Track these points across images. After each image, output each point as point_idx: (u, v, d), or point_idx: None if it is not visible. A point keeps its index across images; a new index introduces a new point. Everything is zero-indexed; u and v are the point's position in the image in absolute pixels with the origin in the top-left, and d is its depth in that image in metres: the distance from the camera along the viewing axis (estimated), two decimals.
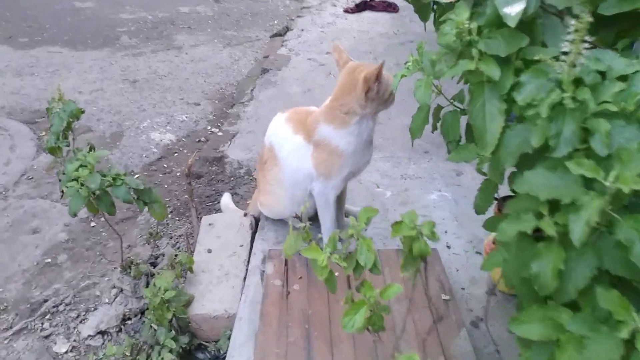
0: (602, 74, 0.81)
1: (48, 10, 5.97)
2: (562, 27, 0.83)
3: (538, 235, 0.89)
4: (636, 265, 0.64)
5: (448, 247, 2.05)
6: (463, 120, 1.15)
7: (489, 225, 1.27)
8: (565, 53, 0.73)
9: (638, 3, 0.87)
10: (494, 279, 1.87)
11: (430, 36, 1.63)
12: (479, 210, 1.12)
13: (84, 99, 3.90)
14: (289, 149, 1.82)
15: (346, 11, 5.66)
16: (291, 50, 4.63)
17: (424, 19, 1.56)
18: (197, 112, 3.79)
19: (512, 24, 0.75)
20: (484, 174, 1.05)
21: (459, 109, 1.16)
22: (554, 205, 0.73)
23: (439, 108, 1.17)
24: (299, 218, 0.95)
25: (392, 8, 5.57)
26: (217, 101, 3.99)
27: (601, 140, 0.70)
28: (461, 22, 0.83)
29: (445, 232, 2.13)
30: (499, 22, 0.80)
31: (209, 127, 3.59)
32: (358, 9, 5.66)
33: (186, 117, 3.72)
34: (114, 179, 1.87)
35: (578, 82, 0.73)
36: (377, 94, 1.68)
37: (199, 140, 3.42)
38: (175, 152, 3.30)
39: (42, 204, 2.78)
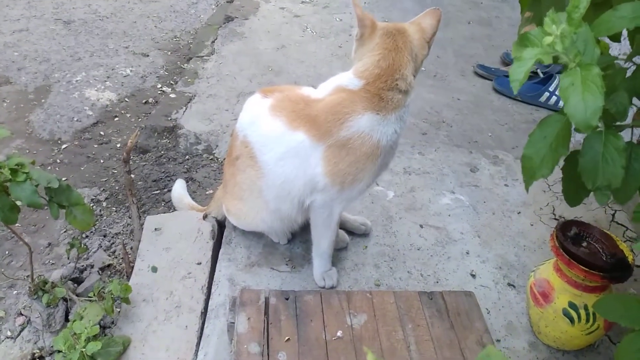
0: None
1: None
2: None
3: None
4: None
5: (472, 276, 1.58)
6: None
7: (603, 308, 0.79)
8: None
9: None
10: (535, 329, 1.42)
11: None
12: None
13: (3, 41, 3.14)
14: (281, 152, 1.26)
15: None
16: None
17: None
18: (144, 65, 3.10)
19: None
20: None
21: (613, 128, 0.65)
22: None
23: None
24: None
25: None
26: (169, 52, 3.30)
27: None
28: None
29: (467, 253, 1.65)
30: None
31: (159, 86, 2.93)
32: None
33: (131, 70, 3.03)
34: (13, 171, 1.28)
35: None
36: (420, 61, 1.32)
37: (146, 102, 2.77)
38: (116, 116, 2.64)
39: None
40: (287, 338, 1.13)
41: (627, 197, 0.66)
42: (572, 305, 1.25)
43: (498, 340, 1.39)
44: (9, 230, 1.78)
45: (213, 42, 3.26)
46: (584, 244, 1.30)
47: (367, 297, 1.24)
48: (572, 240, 1.30)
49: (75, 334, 1.26)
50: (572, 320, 1.25)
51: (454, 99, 2.87)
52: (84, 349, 1.23)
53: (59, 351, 1.25)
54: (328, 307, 1.21)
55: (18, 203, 1.32)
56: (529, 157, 0.64)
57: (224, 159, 2.27)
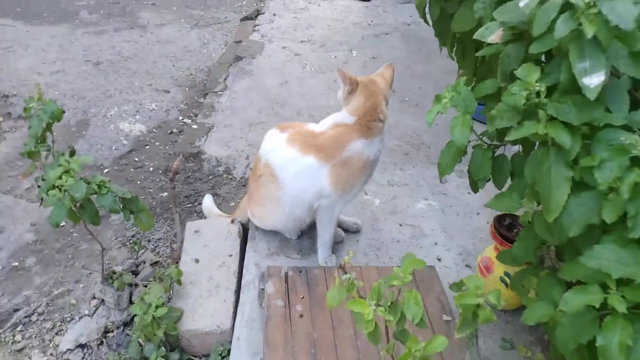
0: None
1: None
2: (624, 89, 0.83)
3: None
4: None
5: (439, 259, 2.07)
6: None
7: (504, 258, 1.28)
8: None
9: None
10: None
11: (406, 29, 1.67)
12: (516, 261, 1.11)
13: (44, 82, 3.64)
14: (296, 171, 1.76)
15: None
16: (264, 36, 4.49)
17: (443, 43, 1.52)
18: (167, 100, 3.62)
19: (591, 96, 0.73)
20: (527, 224, 1.04)
21: (487, 145, 1.15)
22: (619, 279, 0.74)
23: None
24: (342, 269, 0.92)
25: None
26: (187, 88, 3.83)
27: None
28: (531, 83, 0.81)
29: (435, 243, 2.14)
30: (572, 88, 0.78)
31: (181, 118, 3.44)
32: None
33: (156, 105, 3.55)
34: (98, 186, 1.76)
35: None
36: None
37: (172, 132, 3.27)
38: (147, 145, 3.14)
39: (5, 200, 2.59)
40: (301, 296, 1.61)
41: (500, 185, 1.15)
42: (506, 273, 1.74)
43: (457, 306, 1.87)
44: (75, 236, 2.27)
45: (225, 79, 3.78)
46: (515, 230, 1.79)
47: (358, 270, 1.73)
48: (506, 228, 1.79)
49: (146, 303, 1.73)
50: (506, 284, 1.73)
51: (432, 125, 3.39)
52: (154, 313, 1.70)
53: (135, 315, 1.72)
54: (330, 277, 1.69)
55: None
56: (441, 163, 1.14)
57: (241, 177, 2.78)
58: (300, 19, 4.90)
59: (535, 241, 1.01)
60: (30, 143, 1.75)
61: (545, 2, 0.76)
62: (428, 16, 1.49)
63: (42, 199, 1.73)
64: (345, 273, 0.91)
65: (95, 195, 1.76)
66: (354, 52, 4.29)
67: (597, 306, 0.75)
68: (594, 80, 0.74)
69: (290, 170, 1.77)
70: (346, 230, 2.13)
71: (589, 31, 0.71)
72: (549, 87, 0.83)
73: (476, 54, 1.11)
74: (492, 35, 0.97)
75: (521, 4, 0.80)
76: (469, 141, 1.13)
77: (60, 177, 1.67)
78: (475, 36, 0.99)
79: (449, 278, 1.99)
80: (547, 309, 0.86)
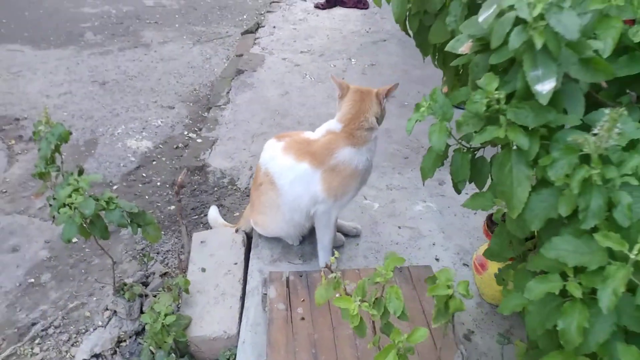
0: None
1: (2, 2, 5.68)
2: (581, 93, 0.89)
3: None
4: None
5: (437, 259, 2.13)
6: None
7: (490, 255, 1.34)
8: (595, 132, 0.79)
9: None
10: (480, 292, 1.97)
11: (403, 35, 1.74)
12: (494, 255, 1.18)
13: (52, 104, 3.77)
14: (292, 177, 1.84)
15: (317, 7, 5.64)
16: (264, 49, 4.60)
17: (425, 53, 1.60)
18: (172, 116, 3.73)
19: (543, 101, 0.80)
20: (500, 221, 1.11)
21: (467, 149, 1.21)
22: (577, 267, 0.80)
23: (447, 146, 1.22)
24: (329, 268, 0.99)
25: (363, 4, 5.59)
26: (191, 104, 3.93)
27: (624, 213, 0.77)
28: (490, 91, 0.88)
29: (433, 244, 2.21)
30: (526, 95, 0.85)
31: (186, 133, 3.54)
32: (329, 4, 5.65)
33: (161, 121, 3.66)
34: (107, 202, 1.85)
35: (605, 158, 0.79)
36: (383, 110, 1.86)
37: (177, 147, 3.37)
38: (154, 160, 3.24)
39: (20, 219, 2.70)
40: (302, 299, 1.68)
41: (481, 186, 1.22)
42: (499, 270, 1.79)
43: None
44: (87, 252, 2.37)
45: (228, 92, 3.88)
46: None
47: (356, 273, 1.80)
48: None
49: (156, 312, 1.81)
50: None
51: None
52: (163, 320, 1.78)
53: (146, 324, 1.81)
54: None
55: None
56: (423, 167, 1.21)
57: (245, 188, 2.86)
58: (300, 30, 5.00)
59: (508, 237, 1.08)
60: (40, 165, 1.85)
61: (501, 17, 0.83)
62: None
63: (54, 217, 1.83)
64: (332, 272, 0.98)
65: (104, 211, 1.85)
66: (352, 60, 4.38)
67: (557, 293, 0.81)
68: (545, 87, 0.80)
69: (287, 177, 1.85)
70: (346, 235, 2.20)
71: (538, 42, 0.78)
72: (510, 94, 0.90)
73: (450, 64, 1.18)
74: (462, 46, 1.04)
75: (480, 19, 0.88)
76: (449, 145, 1.20)
77: (70, 196, 1.76)
78: (447, 48, 1.06)
79: None
80: (521, 299, 0.93)
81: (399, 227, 2.30)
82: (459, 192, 1.26)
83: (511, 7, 0.80)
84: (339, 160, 1.79)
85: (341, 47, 4.64)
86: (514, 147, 0.89)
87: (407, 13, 1.45)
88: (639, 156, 0.79)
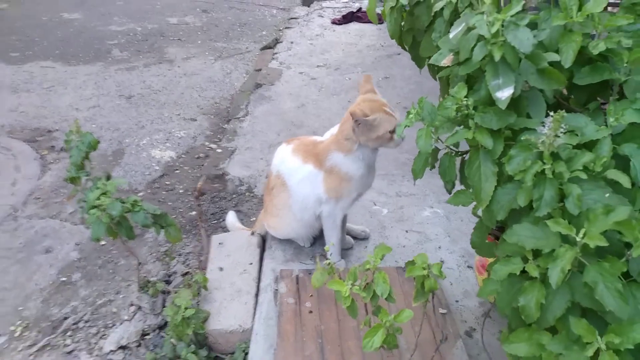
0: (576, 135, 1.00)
1: (36, 23, 6.03)
2: (543, 100, 1.02)
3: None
4: (599, 300, 0.83)
5: (442, 262, 2.22)
6: (456, 161, 1.34)
7: (483, 251, 1.45)
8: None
9: (605, 75, 1.07)
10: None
11: None
12: (475, 245, 1.30)
13: (82, 116, 4.01)
14: (300, 178, 1.98)
15: (333, 22, 5.83)
16: (282, 63, 4.78)
17: (419, 66, 1.73)
18: (194, 128, 3.93)
19: (502, 106, 0.93)
20: (479, 216, 1.23)
21: (454, 152, 1.34)
22: (537, 251, 0.92)
23: (436, 150, 1.35)
24: (324, 256, 1.11)
25: (378, 19, 5.74)
26: (212, 116, 4.13)
27: (573, 202, 0.89)
28: (460, 98, 1.01)
29: (439, 247, 2.32)
30: (491, 101, 0.98)
31: (207, 143, 3.73)
32: (345, 20, 5.84)
33: (184, 133, 3.86)
34: (132, 205, 2.02)
35: (556, 154, 0.92)
36: (362, 132, 1.84)
37: (198, 157, 3.56)
38: (176, 169, 3.43)
39: (52, 223, 2.90)
40: (310, 294, 1.82)
41: (468, 186, 1.33)
42: None
43: (457, 301, 2.04)
44: (115, 253, 2.55)
45: (247, 105, 4.07)
46: None
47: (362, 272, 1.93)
48: (498, 227, 1.95)
49: (177, 305, 1.97)
50: None
51: None
52: (184, 313, 1.93)
53: (168, 317, 1.96)
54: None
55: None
56: (414, 169, 1.34)
57: (262, 194, 3.01)
58: (316, 45, 5.19)
59: (486, 229, 1.20)
60: (72, 170, 2.04)
61: (467, 34, 0.96)
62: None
63: (84, 218, 2.01)
64: (326, 259, 1.11)
65: (129, 213, 2.02)
66: (366, 73, 4.53)
67: (518, 273, 0.93)
68: (505, 94, 0.93)
69: (296, 177, 2.00)
70: (355, 238, 2.33)
71: (497, 55, 0.91)
72: (480, 101, 1.03)
73: (434, 75, 1.31)
74: (444, 59, 1.18)
75: (451, 35, 1.01)
76: (439, 149, 1.33)
77: (98, 198, 1.94)
78: (431, 61, 1.20)
79: (451, 278, 2.16)
80: (495, 284, 1.04)
81: (406, 231, 2.42)
82: (449, 192, 1.39)
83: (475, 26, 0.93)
84: (332, 163, 1.91)
85: (356, 60, 4.80)
86: (482, 147, 1.02)
87: (401, 29, 1.59)
88: (590, 154, 0.91)
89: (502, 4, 1.13)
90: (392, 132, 1.79)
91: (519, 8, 0.92)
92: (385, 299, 1.10)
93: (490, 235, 1.90)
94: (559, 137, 0.88)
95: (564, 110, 0.88)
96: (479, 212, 1.16)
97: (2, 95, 4.34)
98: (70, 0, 6.86)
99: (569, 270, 0.84)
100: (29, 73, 4.75)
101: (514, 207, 0.97)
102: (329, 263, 1.11)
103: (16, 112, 4.08)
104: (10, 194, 3.10)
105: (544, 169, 0.90)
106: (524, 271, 0.94)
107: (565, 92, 1.12)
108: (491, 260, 1.55)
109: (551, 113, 0.92)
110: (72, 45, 5.41)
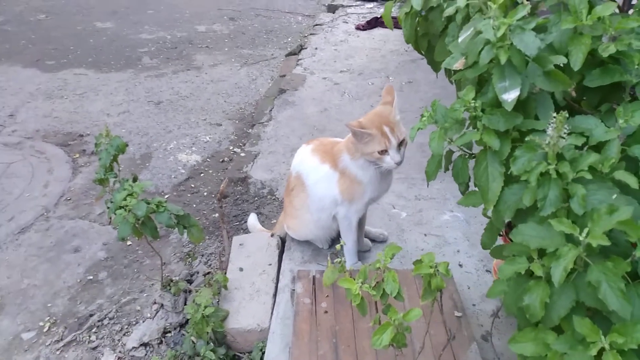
0: (585, 137, 1.01)
1: (70, 32, 6.26)
2: (551, 101, 1.03)
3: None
4: (603, 300, 0.84)
5: (460, 265, 2.23)
6: (471, 163, 1.35)
7: (496, 253, 1.46)
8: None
9: (616, 77, 1.07)
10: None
11: None
12: (485, 246, 1.31)
13: (112, 122, 4.15)
14: (317, 178, 2.02)
15: (357, 28, 5.87)
16: (306, 69, 4.84)
17: (436, 70, 1.75)
18: (219, 133, 4.01)
19: (508, 108, 0.94)
20: (489, 217, 1.24)
21: (467, 154, 1.35)
22: (542, 250, 0.92)
23: (450, 153, 1.36)
24: (335, 255, 1.14)
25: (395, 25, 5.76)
26: (237, 121, 4.21)
27: (578, 202, 0.89)
28: (468, 101, 1.02)
29: (458, 251, 2.31)
30: (498, 103, 0.99)
31: (232, 148, 3.80)
32: (369, 25, 5.87)
33: (210, 137, 3.94)
34: (157, 205, 2.08)
35: (560, 155, 0.92)
36: (355, 143, 1.85)
37: (223, 161, 3.63)
38: (202, 173, 3.51)
39: (81, 224, 3.01)
40: (326, 295, 1.84)
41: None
42: None
43: (474, 304, 2.03)
44: (140, 253, 2.62)
45: (270, 110, 4.13)
46: None
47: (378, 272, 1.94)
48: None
49: (197, 304, 2.02)
50: None
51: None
52: (203, 311, 1.98)
53: (189, 314, 2.02)
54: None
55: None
56: (427, 171, 1.35)
57: (283, 198, 3.06)
58: (340, 50, 5.23)
59: (496, 230, 1.20)
60: (100, 172, 2.12)
61: (475, 38, 0.98)
62: None
63: (111, 217, 2.09)
64: (337, 257, 1.14)
65: (154, 214, 2.09)
66: (390, 78, 4.55)
67: (523, 272, 0.94)
68: (511, 96, 0.94)
69: (314, 177, 2.03)
70: (373, 240, 2.35)
71: (503, 58, 0.93)
72: (487, 103, 1.04)
73: (450, 79, 1.33)
74: (456, 63, 1.19)
75: (460, 40, 1.03)
76: (453, 152, 1.35)
77: (125, 199, 2.01)
78: (443, 65, 1.22)
79: (469, 282, 2.15)
80: (504, 285, 1.05)
81: (425, 235, 2.42)
82: (462, 193, 1.40)
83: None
84: (343, 165, 1.94)
85: (380, 66, 4.82)
86: (489, 148, 1.03)
87: (417, 34, 1.61)
88: (595, 154, 0.92)
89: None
90: (382, 152, 1.78)
91: (524, 13, 0.93)
92: (395, 297, 1.12)
93: (504, 236, 1.90)
94: (563, 138, 0.89)
95: (566, 112, 0.89)
96: (489, 213, 1.17)
97: (37, 101, 4.52)
98: (103, 10, 7.10)
99: (572, 269, 0.85)
100: (63, 80, 4.94)
101: (520, 207, 0.98)
102: (340, 261, 1.14)
103: (50, 118, 4.24)
104: (43, 196, 3.23)
105: (548, 169, 0.91)
106: (530, 271, 0.95)
107: (573, 93, 1.13)
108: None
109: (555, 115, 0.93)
110: (104, 53, 5.59)
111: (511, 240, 1.92)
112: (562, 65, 1.03)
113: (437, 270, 1.13)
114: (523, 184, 0.97)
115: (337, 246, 1.22)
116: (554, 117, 0.89)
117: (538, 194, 0.92)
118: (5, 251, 2.80)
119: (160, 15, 6.89)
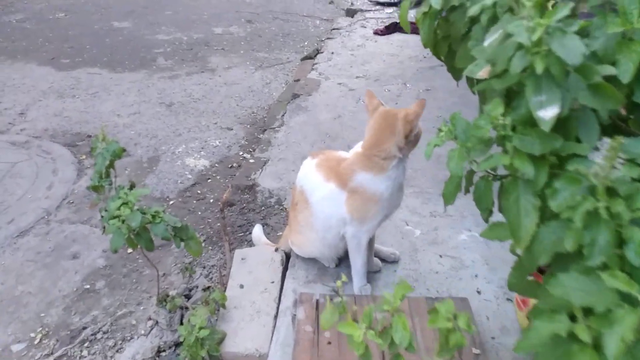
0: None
1: (88, 30, 6.22)
2: (596, 121, 0.85)
3: None
4: None
5: (478, 292, 2.05)
6: (495, 185, 1.18)
7: (526, 292, 1.28)
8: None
9: None
10: (522, 328, 1.87)
11: None
12: (512, 287, 1.13)
13: (122, 122, 4.05)
14: (321, 196, 1.86)
15: (376, 33, 5.70)
16: (321, 74, 4.69)
17: (456, 78, 1.58)
18: (229, 137, 3.88)
19: (546, 128, 0.77)
20: (517, 255, 1.07)
21: (491, 176, 1.18)
22: (588, 308, 0.75)
23: (472, 173, 1.19)
24: (336, 292, 0.99)
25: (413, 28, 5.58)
26: (248, 126, 4.08)
27: (635, 250, 0.72)
28: (495, 117, 0.86)
29: (476, 276, 2.13)
30: (532, 121, 0.83)
31: (241, 153, 3.67)
32: (388, 30, 5.70)
33: (219, 142, 3.82)
34: (153, 216, 1.94)
35: (612, 190, 0.75)
36: (415, 134, 1.74)
37: (231, 166, 3.50)
38: (209, 179, 3.38)
39: (82, 229, 2.89)
40: None
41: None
42: None
43: (493, 338, 1.85)
44: (140, 262, 2.49)
45: (283, 115, 3.99)
46: None
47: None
48: None
49: (191, 324, 1.87)
50: None
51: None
52: (197, 334, 1.83)
53: (180, 337, 1.87)
54: (359, 305, 1.74)
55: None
56: (444, 193, 1.19)
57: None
58: (357, 55, 5.07)
59: (525, 272, 1.03)
60: (95, 178, 1.99)
61: (505, 42, 0.82)
62: None
63: (104, 227, 1.96)
64: (339, 295, 0.98)
65: (150, 224, 1.95)
66: (407, 85, 4.37)
67: (564, 335, 0.76)
68: (548, 113, 0.78)
69: (317, 195, 1.87)
70: (384, 260, 2.18)
71: (539, 67, 0.76)
72: (519, 120, 0.87)
73: (472, 89, 1.16)
74: (481, 71, 1.03)
75: (485, 43, 0.87)
76: (475, 172, 1.18)
77: (119, 208, 1.88)
78: (466, 72, 1.05)
79: (488, 311, 1.97)
80: (536, 339, 0.88)
81: (440, 256, 2.24)
82: (485, 221, 1.23)
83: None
84: (357, 184, 1.77)
85: (397, 72, 4.65)
86: (521, 176, 0.86)
87: (436, 37, 1.45)
88: None
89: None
90: None
91: (566, 12, 0.76)
92: (405, 348, 0.95)
93: (538, 270, 1.72)
94: (616, 168, 0.72)
95: (621, 135, 0.72)
96: (519, 251, 0.99)
97: (49, 100, 4.46)
98: (121, 10, 7.06)
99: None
100: (76, 79, 4.87)
101: (560, 251, 0.81)
102: (341, 301, 0.98)
103: (60, 117, 4.17)
104: (45, 198, 3.13)
105: (598, 207, 0.73)
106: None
107: (623, 112, 0.95)
108: (534, 301, 1.37)
109: (606, 137, 0.76)
110: (120, 52, 5.53)
111: (541, 272, 1.74)
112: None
113: (457, 324, 0.95)
114: (563, 221, 0.80)
115: (338, 282, 1.06)
116: (606, 141, 0.72)
117: (584, 237, 0.75)
118: (1, 255, 2.70)
119: (178, 17, 6.82)
